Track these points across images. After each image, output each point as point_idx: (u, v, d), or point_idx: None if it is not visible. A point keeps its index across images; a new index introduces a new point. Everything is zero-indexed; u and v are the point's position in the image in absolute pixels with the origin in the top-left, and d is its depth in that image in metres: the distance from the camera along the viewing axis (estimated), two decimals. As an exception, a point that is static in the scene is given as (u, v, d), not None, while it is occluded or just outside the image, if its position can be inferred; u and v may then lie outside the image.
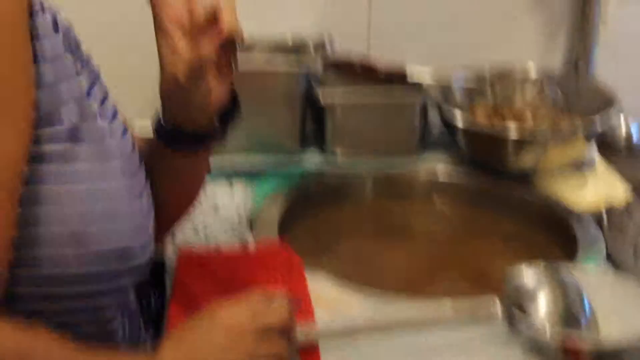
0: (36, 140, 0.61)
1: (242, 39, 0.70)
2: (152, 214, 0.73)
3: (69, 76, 0.65)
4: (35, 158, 0.61)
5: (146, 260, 0.70)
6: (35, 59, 0.61)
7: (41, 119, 0.61)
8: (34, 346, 0.60)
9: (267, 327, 0.70)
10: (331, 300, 0.87)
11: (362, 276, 0.98)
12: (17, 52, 0.60)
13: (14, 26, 0.60)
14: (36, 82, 0.61)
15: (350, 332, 0.80)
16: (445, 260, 1.09)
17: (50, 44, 0.63)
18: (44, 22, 0.63)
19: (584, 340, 0.81)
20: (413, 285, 1.02)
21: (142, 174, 0.73)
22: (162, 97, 0.74)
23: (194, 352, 0.67)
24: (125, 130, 0.71)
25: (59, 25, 0.66)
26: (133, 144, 0.73)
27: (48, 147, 0.62)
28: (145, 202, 0.72)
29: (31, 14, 0.63)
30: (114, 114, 0.71)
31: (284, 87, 1.16)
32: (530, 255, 1.01)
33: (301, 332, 0.75)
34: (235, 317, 0.69)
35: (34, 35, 0.62)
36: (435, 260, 1.10)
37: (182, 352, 0.67)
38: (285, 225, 1.06)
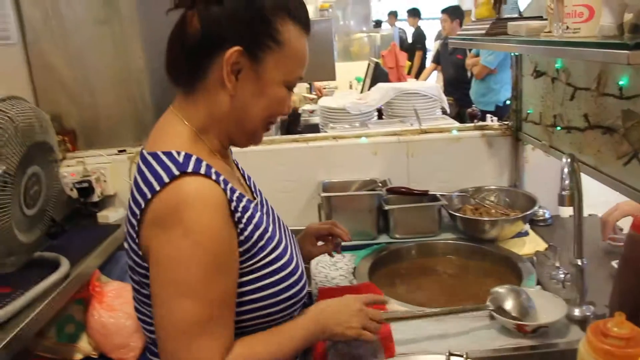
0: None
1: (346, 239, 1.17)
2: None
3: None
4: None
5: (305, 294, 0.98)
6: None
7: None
8: (260, 339, 0.90)
9: (363, 310, 1.02)
10: (395, 309, 1.29)
11: (411, 299, 1.40)
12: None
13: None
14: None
15: (403, 317, 1.15)
16: (455, 288, 1.51)
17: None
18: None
19: (529, 323, 1.15)
20: (437, 302, 1.40)
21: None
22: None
23: (329, 308, 1.00)
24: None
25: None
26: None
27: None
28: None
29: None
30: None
31: (367, 203, 1.77)
32: (500, 281, 1.42)
33: (380, 314, 1.06)
34: (348, 301, 1.03)
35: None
36: (449, 288, 1.52)
37: (322, 307, 1.00)
38: (372, 274, 1.56)
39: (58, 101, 1.95)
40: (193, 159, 0.89)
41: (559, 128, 1.59)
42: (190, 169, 0.87)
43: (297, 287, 0.97)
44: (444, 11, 5.39)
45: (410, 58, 7.01)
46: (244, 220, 0.89)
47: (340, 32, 7.38)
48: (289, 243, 1.01)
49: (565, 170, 1.17)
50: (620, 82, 1.24)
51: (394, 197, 1.84)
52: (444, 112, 2.84)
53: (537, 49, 1.15)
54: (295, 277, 0.97)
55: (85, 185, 1.86)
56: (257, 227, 0.93)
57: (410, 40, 8.20)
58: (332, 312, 1.03)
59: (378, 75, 4.07)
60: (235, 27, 0.90)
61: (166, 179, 0.87)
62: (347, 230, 1.28)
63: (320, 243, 1.32)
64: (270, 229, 0.96)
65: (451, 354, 1.01)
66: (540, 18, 1.35)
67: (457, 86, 4.87)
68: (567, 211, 1.80)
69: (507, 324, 1.20)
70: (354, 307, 1.05)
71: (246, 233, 0.89)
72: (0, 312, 1.15)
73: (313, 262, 1.59)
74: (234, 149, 1.07)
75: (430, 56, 7.11)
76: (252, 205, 0.94)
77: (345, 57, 6.96)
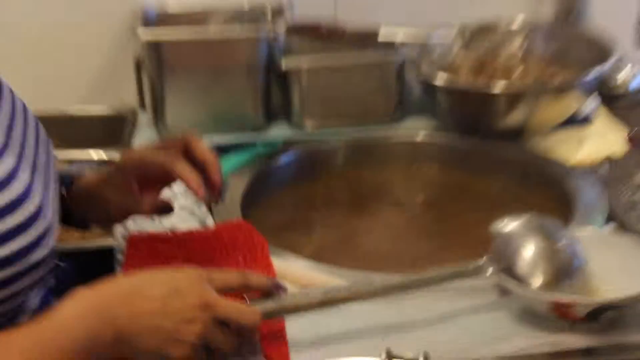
0: None
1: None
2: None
3: None
4: None
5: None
6: None
7: None
8: None
9: (209, 303, 0.67)
10: (302, 282, 0.82)
11: (336, 255, 0.94)
12: None
13: None
14: None
15: (316, 303, 0.74)
16: (430, 233, 1.03)
17: None
18: None
19: (575, 297, 0.76)
20: (394, 262, 0.95)
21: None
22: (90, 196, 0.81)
23: (124, 300, 0.68)
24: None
25: None
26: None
27: None
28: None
29: None
30: None
31: (243, 56, 1.12)
32: None
33: (254, 310, 0.70)
34: (177, 281, 0.68)
35: None
36: (419, 232, 1.03)
37: (108, 296, 0.69)
38: (249, 206, 1.00)
39: None
40: None
41: None
42: None
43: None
44: None
45: None
46: None
47: None
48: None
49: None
50: None
51: (302, 42, 1.21)
52: None
53: None
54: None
55: None
56: None
57: None
58: (134, 309, 0.66)
59: None
60: None
61: None
62: (212, 160, 0.79)
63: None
64: None
65: (391, 357, 0.69)
66: None
67: None
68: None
69: (532, 302, 0.80)
70: (187, 301, 0.66)
71: None
72: None
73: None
74: None
75: None
76: None
77: None
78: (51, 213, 0.71)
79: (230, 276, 0.70)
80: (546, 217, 0.87)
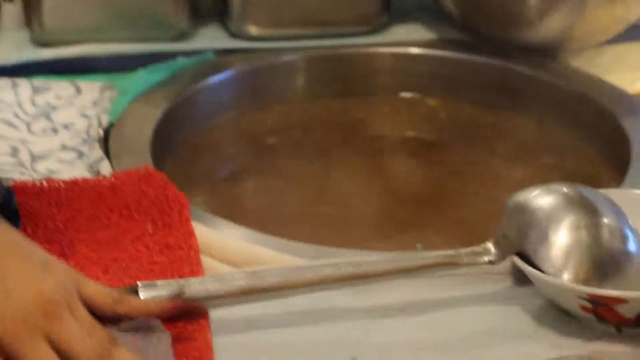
0: None
1: None
2: None
3: None
4: None
5: None
6: None
7: None
8: None
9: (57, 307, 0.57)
10: (238, 261, 0.67)
11: (290, 222, 0.77)
12: None
13: None
14: None
15: (259, 288, 0.62)
16: (423, 193, 0.83)
17: None
18: None
19: (622, 292, 0.64)
20: (372, 232, 0.79)
21: None
22: None
23: None
24: None
25: None
26: None
27: None
28: None
29: None
30: None
31: None
32: (561, 174, 0.79)
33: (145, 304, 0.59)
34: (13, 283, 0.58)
35: None
36: (408, 192, 0.82)
37: None
38: (164, 148, 0.78)
39: None
40: None
41: None
42: None
43: None
44: None
45: None
46: None
47: None
48: None
49: None
50: None
51: None
52: None
53: None
54: None
55: None
56: None
57: None
58: None
59: None
60: None
61: None
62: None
63: None
64: None
65: None
66: None
67: None
68: None
69: (562, 296, 0.68)
70: (34, 304, 0.53)
71: None
72: None
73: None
74: None
75: None
76: None
77: None
78: None
79: (100, 297, 0.58)
80: (589, 179, 0.78)
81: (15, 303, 0.50)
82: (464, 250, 0.61)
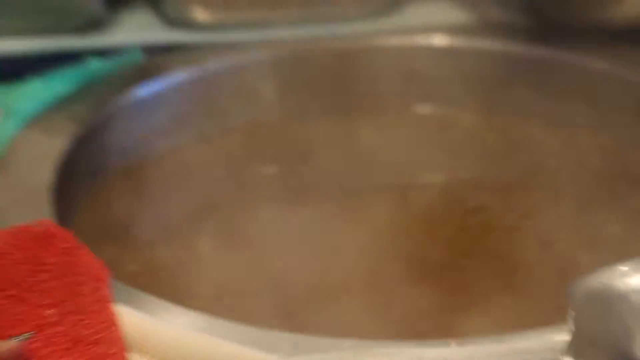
0: None
1: None
2: None
3: None
4: None
5: None
6: None
7: None
8: None
9: None
10: (177, 354, 0.53)
11: (260, 300, 0.64)
12: None
13: None
14: None
15: None
16: (443, 260, 0.67)
17: None
18: None
19: None
20: (370, 318, 0.63)
21: None
22: None
23: None
24: None
25: None
26: None
27: None
28: None
29: None
30: None
31: None
32: None
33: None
34: None
35: None
36: (421, 258, 0.68)
37: None
38: (71, 193, 0.64)
39: None
40: None
41: None
42: None
43: None
44: None
45: None
46: None
47: None
48: None
49: None
50: None
51: None
52: None
53: None
54: None
55: None
56: None
57: None
58: None
59: None
60: None
61: None
62: None
63: None
64: None
65: None
66: None
67: None
68: None
69: None
70: None
71: None
72: None
73: None
74: None
75: None
76: None
77: None
78: None
79: None
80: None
81: None
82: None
